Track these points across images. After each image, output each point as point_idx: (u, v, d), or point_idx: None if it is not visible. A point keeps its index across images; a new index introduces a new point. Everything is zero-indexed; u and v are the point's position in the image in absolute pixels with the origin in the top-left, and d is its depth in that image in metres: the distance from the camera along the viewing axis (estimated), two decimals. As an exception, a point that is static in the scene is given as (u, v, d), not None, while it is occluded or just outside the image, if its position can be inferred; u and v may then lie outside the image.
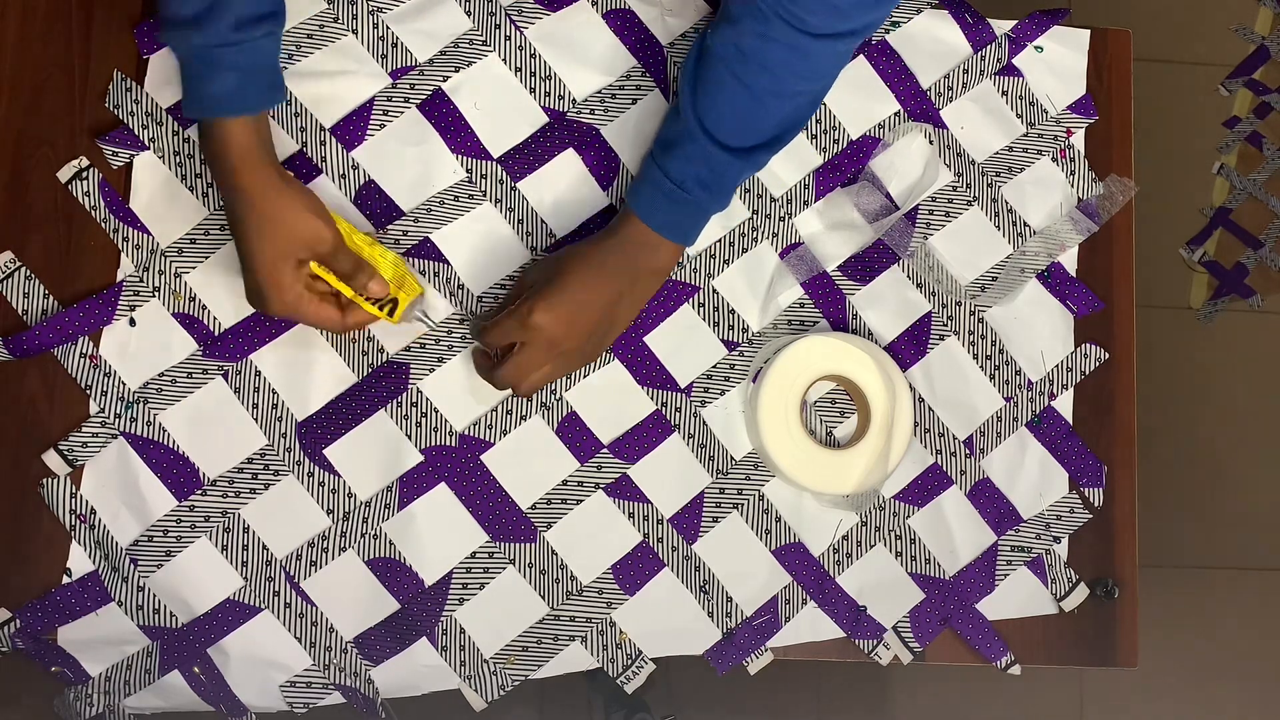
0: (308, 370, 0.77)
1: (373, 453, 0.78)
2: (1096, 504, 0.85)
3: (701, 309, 0.82)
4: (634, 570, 0.79)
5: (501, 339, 0.74)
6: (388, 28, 0.80)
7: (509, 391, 0.77)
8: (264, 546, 0.76)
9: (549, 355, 0.74)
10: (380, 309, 0.74)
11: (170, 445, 0.76)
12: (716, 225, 0.82)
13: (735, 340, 0.82)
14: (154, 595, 0.75)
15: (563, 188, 0.81)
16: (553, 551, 0.79)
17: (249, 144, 0.69)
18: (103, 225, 0.77)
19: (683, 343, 0.81)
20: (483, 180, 0.80)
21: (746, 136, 0.74)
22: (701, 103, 0.74)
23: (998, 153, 0.87)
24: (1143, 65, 0.93)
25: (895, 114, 0.85)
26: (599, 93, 0.82)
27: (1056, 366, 0.85)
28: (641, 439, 0.80)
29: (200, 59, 0.68)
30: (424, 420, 0.78)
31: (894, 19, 0.86)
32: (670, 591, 0.80)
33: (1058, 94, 0.88)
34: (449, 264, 0.79)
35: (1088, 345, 0.86)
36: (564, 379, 0.79)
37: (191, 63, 0.69)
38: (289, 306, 0.71)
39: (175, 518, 0.76)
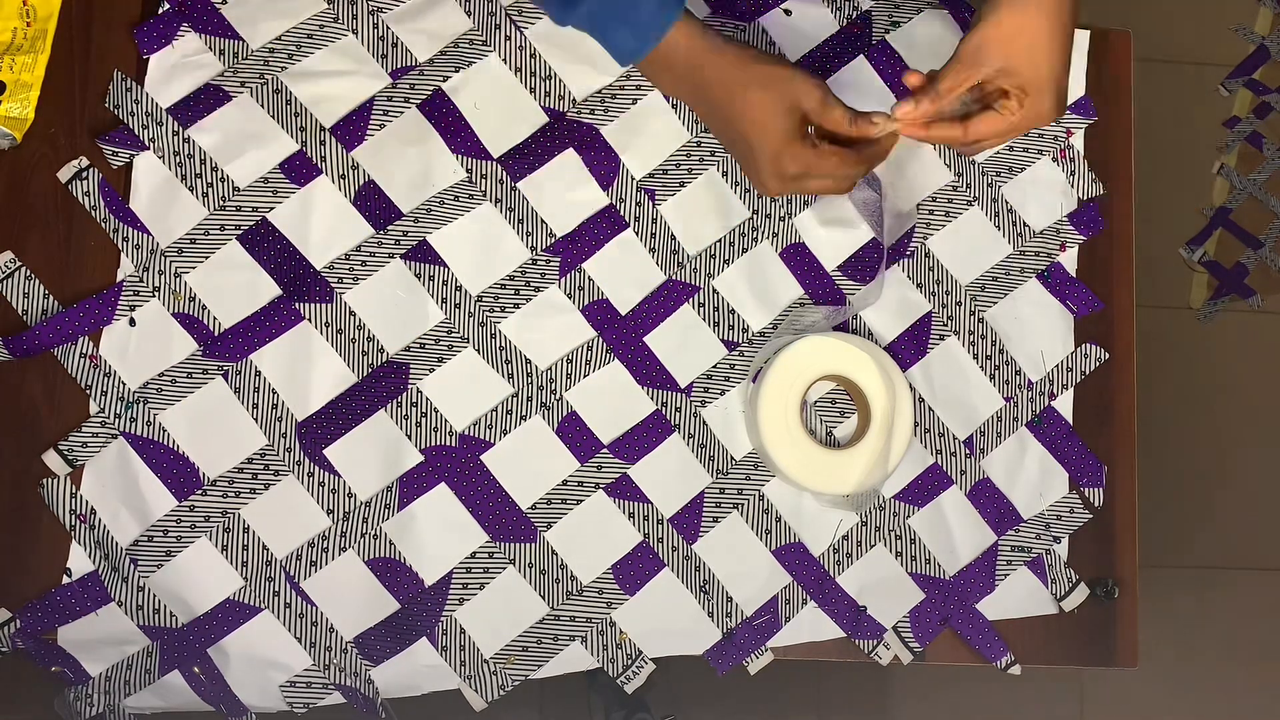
0: (308, 370, 0.77)
1: (373, 453, 0.78)
2: (1096, 504, 0.85)
3: (701, 309, 0.82)
4: (634, 570, 0.79)
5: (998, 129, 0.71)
6: (388, 28, 0.80)
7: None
8: (264, 546, 0.76)
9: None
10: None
11: (170, 445, 0.76)
12: (717, 225, 0.82)
13: (735, 340, 0.82)
14: (154, 595, 0.75)
15: (563, 188, 0.81)
16: (553, 551, 0.79)
17: (695, 41, 0.71)
18: (103, 225, 0.77)
19: (683, 343, 0.81)
20: (483, 180, 0.80)
21: None
22: None
23: (998, 153, 0.87)
24: (1143, 65, 0.93)
25: (895, 114, 0.85)
26: (599, 93, 0.82)
27: (1056, 366, 0.85)
28: (641, 439, 0.80)
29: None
30: (424, 420, 0.78)
31: (894, 19, 0.86)
32: (670, 591, 0.80)
33: (1058, 94, 0.88)
34: (447, 265, 0.79)
35: (1088, 345, 0.86)
36: (564, 378, 0.79)
37: (601, 17, 0.70)
38: (805, 168, 0.71)
39: (175, 518, 0.76)
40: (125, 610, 0.75)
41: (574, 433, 0.80)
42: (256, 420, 0.77)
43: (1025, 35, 0.68)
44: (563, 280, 0.80)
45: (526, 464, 0.79)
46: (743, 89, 0.71)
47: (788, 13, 0.85)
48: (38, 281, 0.77)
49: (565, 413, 0.80)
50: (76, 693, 0.74)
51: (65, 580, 0.75)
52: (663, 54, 0.71)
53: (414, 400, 0.78)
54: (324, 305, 0.78)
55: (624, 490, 0.80)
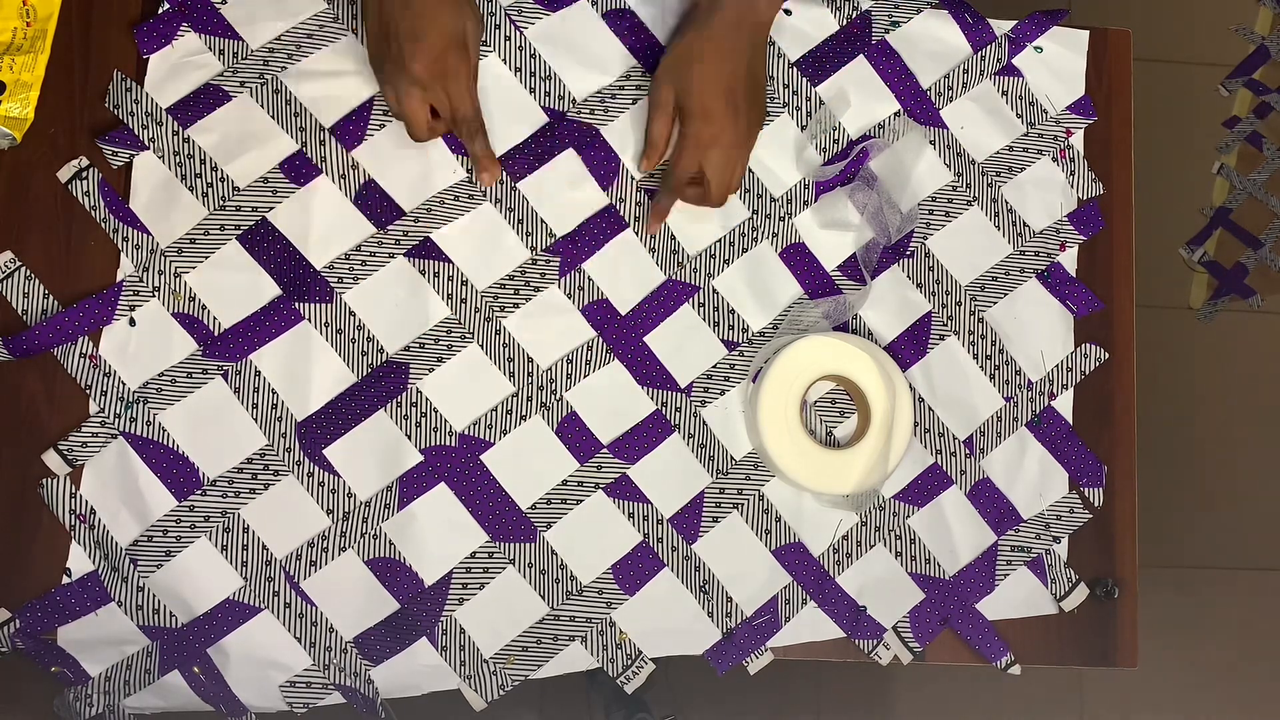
0: (307, 370, 0.77)
1: (372, 453, 0.78)
2: (1096, 504, 0.85)
3: (701, 309, 0.82)
4: (634, 570, 0.79)
5: (686, 173, 0.77)
6: (388, 28, 0.80)
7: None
8: (264, 546, 0.76)
9: (728, 152, 0.76)
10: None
11: (170, 445, 0.76)
12: (716, 225, 0.83)
13: (735, 340, 0.82)
14: (154, 595, 0.75)
15: (563, 188, 0.81)
16: (553, 551, 0.79)
17: None
18: (103, 225, 0.77)
19: (683, 343, 0.81)
20: (483, 180, 0.80)
21: None
22: None
23: (998, 153, 0.87)
24: (1143, 65, 0.93)
25: (895, 114, 0.85)
26: (599, 93, 0.82)
27: (1056, 366, 0.85)
28: (641, 439, 0.80)
29: None
30: (424, 420, 0.78)
31: (894, 19, 0.86)
32: (670, 591, 0.80)
33: (1057, 94, 0.88)
34: (451, 262, 0.79)
35: (1088, 345, 0.86)
36: (564, 378, 0.79)
37: None
38: (441, 75, 0.73)
39: (175, 518, 0.76)
40: (125, 610, 0.75)
41: (574, 433, 0.80)
42: (256, 420, 0.77)
43: (685, 60, 0.75)
44: (563, 280, 0.80)
45: (526, 464, 0.79)
46: None
47: (788, 12, 0.85)
48: (38, 281, 0.77)
49: (565, 413, 0.80)
50: (76, 693, 0.74)
51: (65, 580, 0.75)
52: None
53: (414, 400, 0.78)
54: (324, 305, 0.78)
55: (624, 490, 0.80)
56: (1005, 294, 0.85)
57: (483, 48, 0.81)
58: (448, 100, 0.75)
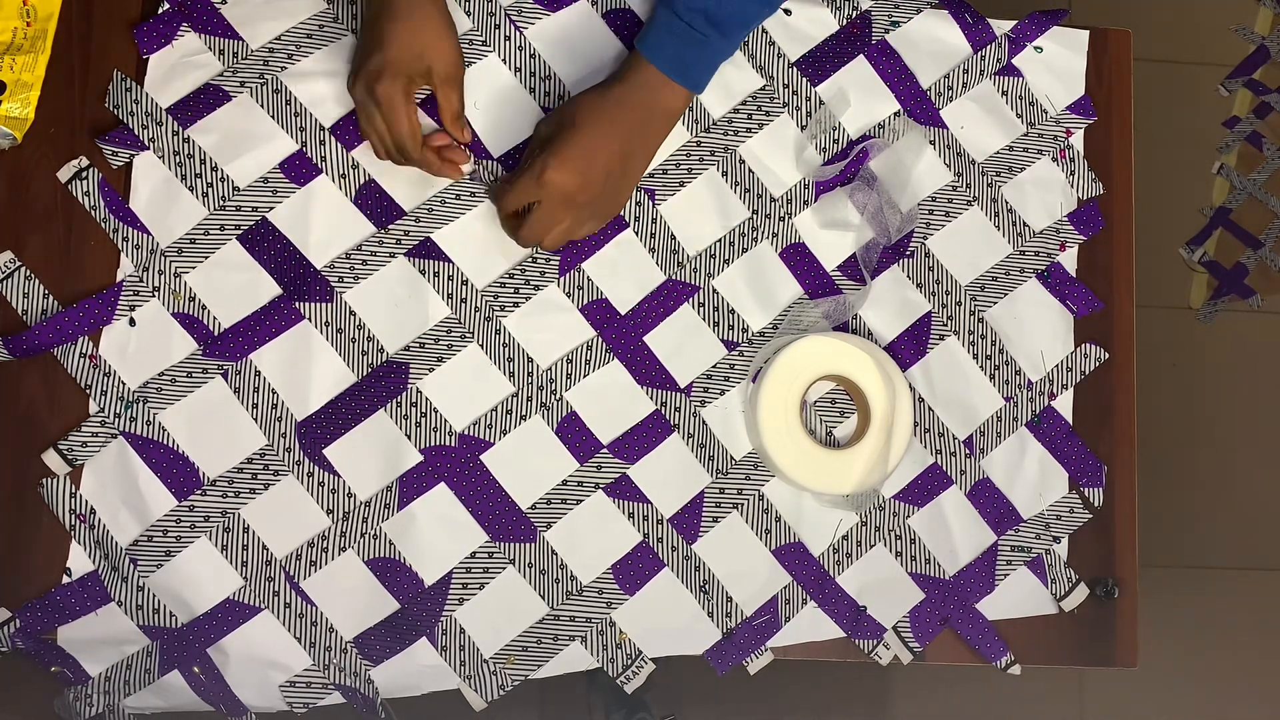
0: (308, 370, 0.77)
1: (372, 453, 0.78)
2: (1096, 504, 0.85)
3: (701, 309, 0.82)
4: (634, 570, 0.79)
5: (518, 201, 0.75)
6: (388, 28, 0.80)
7: (532, 250, 0.79)
8: (264, 546, 0.76)
9: (566, 210, 0.75)
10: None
11: (170, 445, 0.76)
12: (716, 225, 0.82)
13: (735, 340, 0.82)
14: (154, 595, 0.75)
15: (563, 188, 0.81)
16: (553, 551, 0.79)
17: None
18: (103, 225, 0.77)
19: (683, 343, 0.81)
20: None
21: None
22: None
23: (998, 153, 0.87)
24: (1143, 65, 0.93)
25: (895, 114, 0.85)
26: (599, 93, 0.82)
27: (1056, 366, 0.85)
28: (641, 439, 0.80)
29: None
30: (424, 420, 0.78)
31: (894, 19, 0.86)
32: (670, 591, 0.80)
33: (1057, 94, 0.88)
34: (452, 261, 0.79)
35: (1088, 345, 0.86)
36: (563, 378, 0.79)
37: None
38: (389, 100, 0.73)
39: (175, 518, 0.76)
40: (125, 610, 0.75)
41: (574, 433, 0.80)
42: (256, 420, 0.77)
43: (566, 111, 0.76)
44: (562, 279, 0.80)
45: (526, 464, 0.79)
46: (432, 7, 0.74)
47: (788, 13, 0.85)
48: (38, 281, 0.77)
49: (565, 413, 0.80)
50: (76, 693, 0.74)
51: (65, 580, 0.75)
52: None
53: (414, 400, 0.78)
54: (324, 305, 0.78)
55: (624, 490, 0.80)
56: (1005, 294, 0.85)
57: (482, 47, 0.81)
58: (382, 127, 0.75)
